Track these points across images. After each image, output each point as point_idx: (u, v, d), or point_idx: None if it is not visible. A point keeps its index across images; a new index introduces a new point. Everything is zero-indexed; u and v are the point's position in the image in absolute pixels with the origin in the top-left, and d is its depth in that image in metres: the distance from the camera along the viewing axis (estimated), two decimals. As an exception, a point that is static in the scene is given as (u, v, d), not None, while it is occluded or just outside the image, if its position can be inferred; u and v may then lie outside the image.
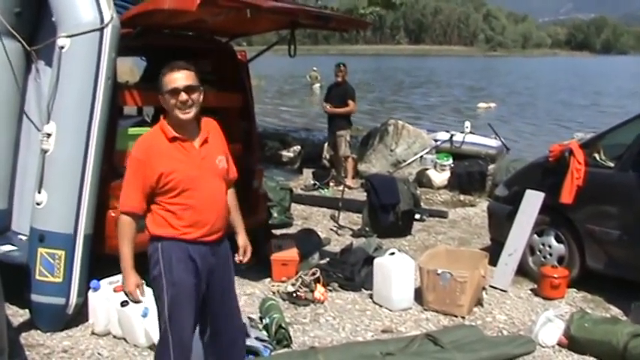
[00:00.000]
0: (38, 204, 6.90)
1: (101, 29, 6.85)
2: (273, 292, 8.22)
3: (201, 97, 4.82)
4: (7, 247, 7.51)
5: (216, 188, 4.94)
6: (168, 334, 4.83)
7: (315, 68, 52.23)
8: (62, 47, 6.84)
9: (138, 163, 4.74)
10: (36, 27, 7.62)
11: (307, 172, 15.81)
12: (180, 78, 4.72)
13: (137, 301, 5.00)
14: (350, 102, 14.99)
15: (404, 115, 28.36)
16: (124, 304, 6.63)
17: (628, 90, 56.05)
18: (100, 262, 7.21)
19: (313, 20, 8.43)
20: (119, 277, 6.92)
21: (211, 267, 4.94)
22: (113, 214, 7.38)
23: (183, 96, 4.69)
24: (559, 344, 6.84)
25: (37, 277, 6.88)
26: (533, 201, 8.68)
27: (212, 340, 5.17)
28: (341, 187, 13.32)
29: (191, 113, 4.76)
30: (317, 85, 50.42)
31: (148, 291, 6.79)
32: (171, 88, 4.69)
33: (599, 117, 32.27)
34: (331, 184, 15.20)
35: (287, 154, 17.93)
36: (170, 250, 4.80)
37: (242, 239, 5.32)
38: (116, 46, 7.04)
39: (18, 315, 7.28)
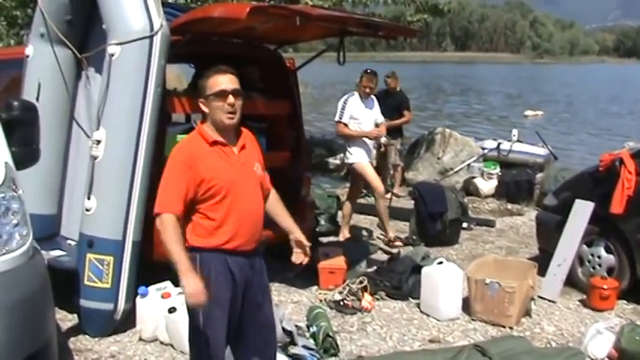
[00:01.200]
0: (87, 210, 6.96)
1: (151, 37, 6.89)
2: (320, 300, 8.21)
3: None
4: (57, 252, 7.59)
5: (255, 195, 4.87)
6: (201, 350, 4.79)
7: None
8: (112, 54, 6.91)
9: (181, 165, 4.62)
10: (86, 34, 7.70)
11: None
12: (227, 81, 4.67)
13: (199, 304, 4.56)
14: (406, 112, 14.94)
15: (450, 123, 28.24)
16: (171, 310, 6.67)
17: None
18: (149, 269, 7.25)
19: (363, 28, 8.42)
20: (167, 283, 7.05)
21: (248, 280, 4.85)
22: (162, 221, 7.42)
23: (231, 99, 4.64)
24: (609, 357, 6.72)
25: (86, 282, 6.94)
26: (582, 211, 8.59)
27: (241, 353, 5.09)
28: (388, 195, 13.27)
29: (235, 119, 4.70)
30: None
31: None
32: (218, 90, 4.63)
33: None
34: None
35: (334, 161, 17.93)
36: (209, 263, 4.67)
37: (299, 236, 5.13)
38: (166, 54, 7.08)
39: (67, 320, 7.34)
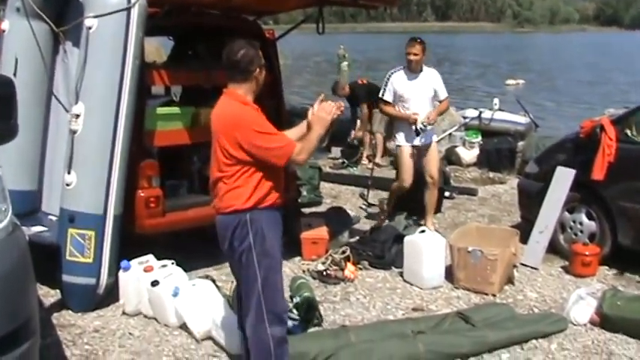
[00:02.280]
0: (68, 185, 6.92)
1: (128, 9, 6.84)
2: (303, 271, 8.22)
3: None
4: (38, 228, 7.54)
5: None
6: (262, 306, 4.91)
7: (342, 46, 52.01)
8: (90, 28, 6.85)
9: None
10: (63, 8, 7.60)
11: (336, 150, 15.73)
12: None
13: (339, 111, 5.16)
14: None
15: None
16: (154, 283, 6.66)
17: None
18: (131, 242, 7.25)
19: (342, -3, 8.37)
20: (149, 256, 7.05)
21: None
22: (142, 194, 7.44)
23: None
24: (591, 322, 6.77)
25: (68, 257, 6.91)
26: (564, 178, 8.61)
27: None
28: (370, 165, 13.27)
29: None
30: (345, 63, 50.18)
31: (179, 274, 6.86)
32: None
33: (629, 94, 31.95)
34: (364, 161, 15.19)
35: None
36: (259, 220, 4.90)
37: None
38: (143, 26, 7.02)
39: (49, 295, 7.32)
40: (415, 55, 9.42)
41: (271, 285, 4.91)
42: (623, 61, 64.32)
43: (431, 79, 9.65)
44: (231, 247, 4.96)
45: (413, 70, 9.54)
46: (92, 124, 6.87)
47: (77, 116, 6.84)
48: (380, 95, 9.80)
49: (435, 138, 9.97)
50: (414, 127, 9.34)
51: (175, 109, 8.18)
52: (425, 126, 9.36)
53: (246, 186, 4.88)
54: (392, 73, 9.66)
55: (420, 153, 9.64)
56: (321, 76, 47.54)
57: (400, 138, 9.63)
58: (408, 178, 9.55)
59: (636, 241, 8.16)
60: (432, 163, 9.71)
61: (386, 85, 9.66)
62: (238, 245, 4.92)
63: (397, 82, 9.55)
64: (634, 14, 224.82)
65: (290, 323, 6.25)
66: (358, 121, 15.78)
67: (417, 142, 9.53)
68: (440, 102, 9.88)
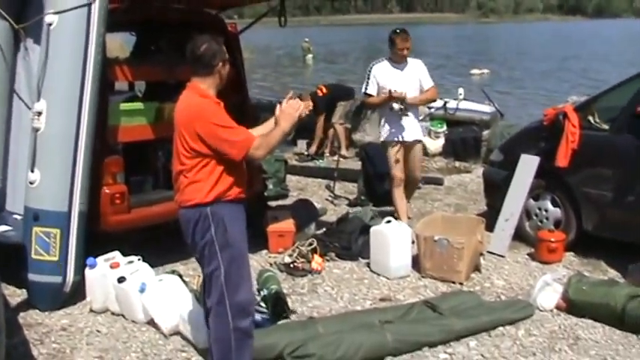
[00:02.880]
0: (31, 183, 6.87)
1: (89, 4, 6.80)
2: (270, 264, 8.23)
3: None
4: (2, 227, 7.49)
5: None
6: (225, 299, 4.92)
7: (306, 39, 52.10)
8: (50, 24, 6.79)
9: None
10: (24, 5, 7.53)
11: (301, 143, 15.73)
12: None
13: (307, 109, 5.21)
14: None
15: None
16: (121, 280, 6.63)
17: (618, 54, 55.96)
18: (96, 239, 7.22)
19: (304, -13, 8.36)
20: (115, 253, 7.01)
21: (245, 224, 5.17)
22: (107, 191, 7.40)
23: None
24: (557, 308, 6.85)
25: (33, 256, 6.88)
26: (528, 165, 8.67)
27: None
28: (336, 157, 13.30)
29: None
30: (309, 56, 50.37)
31: (146, 269, 6.84)
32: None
33: (590, 81, 32.19)
34: (326, 153, 15.20)
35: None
36: (220, 213, 4.91)
37: None
38: (105, 22, 6.98)
39: (16, 295, 7.27)
40: (408, 49, 9.11)
41: (234, 277, 4.91)
42: (585, 49, 64.74)
43: (416, 70, 9.23)
44: (193, 241, 4.97)
45: (398, 61, 9.17)
46: (55, 121, 6.82)
47: (39, 114, 6.79)
48: (363, 90, 9.41)
49: (420, 135, 9.51)
50: (395, 106, 8.91)
51: (139, 105, 8.15)
52: (404, 108, 8.93)
53: (207, 179, 4.89)
54: (373, 65, 9.31)
55: (405, 149, 9.21)
56: (286, 69, 47.58)
57: (384, 132, 9.20)
58: (398, 174, 9.19)
59: (601, 226, 8.23)
60: (415, 164, 9.44)
61: (368, 79, 9.21)
62: (200, 239, 4.93)
63: (380, 74, 9.12)
64: (597, 3, 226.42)
65: (258, 316, 6.27)
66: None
67: (405, 136, 9.09)
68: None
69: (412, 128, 9.17)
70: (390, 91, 8.88)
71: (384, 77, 9.09)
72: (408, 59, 9.23)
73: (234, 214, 4.97)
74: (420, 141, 9.49)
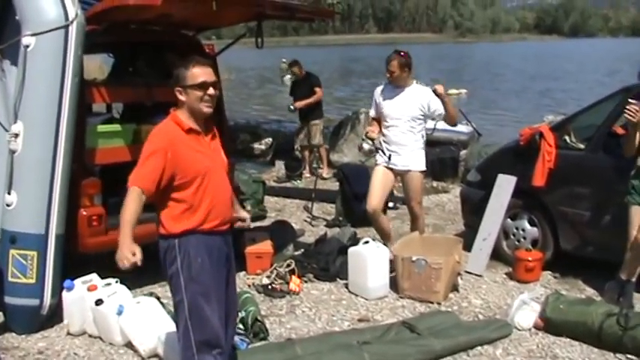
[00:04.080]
0: (8, 205, 6.84)
1: (66, 26, 6.80)
2: (249, 285, 8.20)
3: None
4: (-21, 250, 7.44)
5: (225, 179, 5.08)
6: (189, 333, 4.83)
7: (284, 60, 52.07)
8: (27, 46, 6.78)
9: (159, 148, 4.72)
10: (1, 26, 7.52)
11: (279, 164, 15.72)
12: (208, 73, 4.85)
13: (131, 265, 4.61)
14: (317, 89, 14.96)
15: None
16: (98, 302, 6.60)
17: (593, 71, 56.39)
18: (73, 262, 7.21)
19: (280, 11, 8.41)
20: (93, 275, 6.97)
21: (226, 256, 5.05)
22: (85, 213, 7.40)
23: (212, 90, 4.84)
24: (535, 327, 6.88)
25: (10, 279, 6.83)
26: (505, 185, 8.72)
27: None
28: (313, 178, 13.32)
29: (212, 108, 4.90)
30: (287, 77, 50.40)
31: (123, 292, 6.81)
32: (200, 82, 4.79)
33: (566, 100, 32.41)
34: (305, 174, 15.21)
35: (259, 146, 17.92)
36: (187, 245, 4.80)
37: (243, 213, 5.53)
38: (82, 43, 6.98)
39: (-8, 318, 7.21)
40: (392, 72, 8.53)
41: (198, 312, 4.80)
42: (561, 68, 65.15)
43: (416, 98, 8.51)
44: (164, 269, 4.93)
45: (394, 84, 8.65)
46: (32, 143, 6.80)
47: (16, 135, 6.77)
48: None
49: (417, 165, 8.66)
50: (365, 146, 8.70)
51: (116, 127, 8.14)
52: (374, 145, 8.59)
53: (175, 209, 4.81)
54: (378, 87, 8.98)
55: (401, 178, 8.81)
56: (264, 89, 47.64)
57: (377, 156, 8.80)
58: (372, 200, 8.59)
59: (577, 245, 8.28)
60: (411, 195, 8.78)
61: (372, 101, 9.00)
62: (167, 269, 4.86)
63: (378, 96, 8.82)
64: (573, 22, 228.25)
65: (236, 338, 6.25)
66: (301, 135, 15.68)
67: (394, 160, 8.58)
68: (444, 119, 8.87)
69: (405, 155, 8.58)
70: (366, 132, 8.88)
71: (379, 100, 8.78)
72: (415, 85, 8.65)
73: (204, 247, 4.84)
74: (416, 171, 8.67)
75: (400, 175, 8.77)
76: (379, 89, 8.88)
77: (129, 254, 4.57)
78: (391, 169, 8.69)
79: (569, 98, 34.02)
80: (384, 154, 8.64)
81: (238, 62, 59.88)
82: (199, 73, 4.80)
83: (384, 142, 8.65)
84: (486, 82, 50.63)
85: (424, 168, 8.74)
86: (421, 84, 8.76)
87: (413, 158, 8.62)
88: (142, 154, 4.77)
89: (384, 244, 8.46)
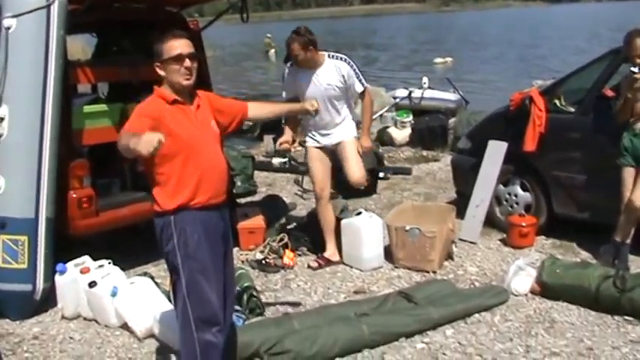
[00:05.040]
0: (-4, 190, 6.77)
1: (48, 6, 6.71)
2: (242, 261, 8.15)
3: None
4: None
5: (216, 150, 4.96)
6: (188, 311, 4.75)
7: (269, 35, 52.16)
8: (8, 28, 6.69)
9: (147, 115, 4.63)
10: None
11: (268, 139, 15.62)
12: (183, 45, 4.77)
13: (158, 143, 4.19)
14: None
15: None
16: (92, 284, 6.56)
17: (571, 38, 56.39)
18: (65, 245, 7.16)
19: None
20: (85, 258, 6.93)
21: (223, 231, 4.98)
22: (74, 195, 7.33)
23: (188, 62, 4.75)
24: (532, 292, 6.87)
25: (1, 264, 6.77)
26: (496, 151, 8.67)
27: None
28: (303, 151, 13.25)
29: (191, 80, 4.81)
30: (272, 52, 50.45)
31: (117, 273, 6.76)
32: (175, 54, 4.72)
33: (553, 65, 32.40)
34: (296, 147, 15.13)
35: (246, 122, 17.79)
36: (183, 222, 4.71)
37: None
38: (65, 24, 6.90)
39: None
40: (296, 57, 7.67)
41: (197, 290, 4.73)
42: (546, 33, 65.21)
43: (331, 76, 7.71)
44: (161, 248, 4.87)
45: (302, 66, 7.76)
46: (17, 126, 6.73)
47: (1, 119, 6.69)
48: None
49: (347, 135, 8.01)
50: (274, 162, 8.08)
51: (102, 107, 8.03)
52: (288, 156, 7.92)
53: (168, 185, 4.72)
54: (285, 71, 8.19)
55: (333, 154, 8.11)
56: (249, 65, 47.53)
57: (307, 137, 8.22)
58: (318, 186, 8.08)
59: (571, 209, 8.25)
60: (350, 165, 7.99)
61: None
62: (164, 247, 4.78)
63: (289, 82, 8.05)
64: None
65: (232, 315, 6.21)
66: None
67: (323, 141, 7.99)
68: (361, 98, 8.14)
69: (334, 133, 7.97)
70: (279, 144, 8.30)
71: (292, 85, 7.99)
72: (327, 61, 7.74)
73: (200, 224, 4.76)
74: (348, 140, 7.99)
75: (335, 151, 8.04)
76: (287, 73, 8.06)
77: (151, 135, 4.17)
78: (324, 147, 8.04)
79: (551, 64, 34.05)
80: (313, 137, 8.06)
81: (222, 39, 59.68)
82: (175, 46, 4.74)
83: (310, 125, 8.05)
84: (470, 50, 50.65)
85: (355, 134, 8.08)
86: (333, 57, 7.80)
87: (342, 131, 7.97)
88: (126, 122, 4.69)
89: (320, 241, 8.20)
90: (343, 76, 7.71)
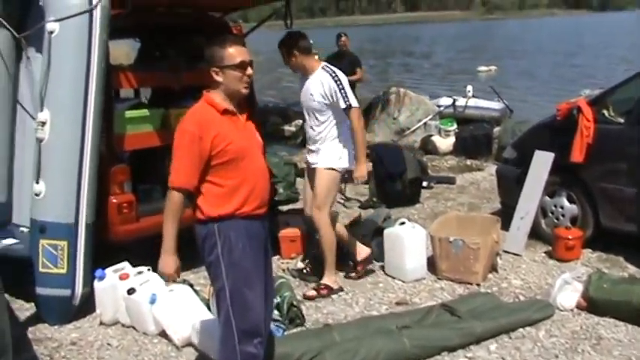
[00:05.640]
0: (37, 194, 6.75)
1: (90, 11, 6.66)
2: (283, 270, 8.10)
3: None
4: (9, 241, 7.37)
5: (262, 161, 4.96)
6: (231, 321, 4.68)
7: (311, 41, 52.17)
8: (51, 32, 6.66)
9: (192, 136, 4.57)
10: (25, 13, 7.42)
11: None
12: (245, 52, 4.77)
13: (171, 280, 4.89)
14: (358, 70, 14.79)
15: (406, 83, 28.18)
16: (130, 291, 6.51)
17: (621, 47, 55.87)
18: (105, 251, 7.12)
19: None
20: (124, 264, 6.88)
21: (265, 242, 4.94)
22: (115, 200, 7.31)
23: (250, 70, 4.75)
24: (578, 307, 6.71)
25: (41, 269, 6.75)
26: (542, 162, 8.53)
27: None
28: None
29: (248, 88, 4.83)
30: (315, 58, 50.43)
31: (156, 280, 6.71)
32: (239, 62, 4.69)
33: (600, 75, 32.06)
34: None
35: (289, 128, 17.81)
36: (227, 230, 4.65)
37: None
38: (107, 28, 6.85)
39: (24, 309, 7.18)
40: (287, 64, 7.62)
41: (241, 299, 4.67)
42: (591, 42, 64.67)
43: (316, 87, 7.32)
44: (203, 257, 4.79)
45: (295, 71, 7.72)
46: (59, 131, 6.69)
47: (43, 124, 6.67)
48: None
49: (321, 162, 7.38)
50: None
51: (144, 112, 7.99)
52: None
53: (213, 194, 4.66)
54: None
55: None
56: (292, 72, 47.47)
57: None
58: (306, 207, 7.70)
59: (618, 222, 8.08)
60: (306, 196, 7.76)
61: None
62: (207, 255, 4.72)
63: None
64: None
65: (272, 325, 6.12)
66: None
67: (308, 158, 7.65)
68: (349, 118, 7.34)
69: (316, 152, 7.47)
70: None
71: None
72: (319, 71, 7.36)
73: (243, 231, 4.70)
74: (321, 168, 7.41)
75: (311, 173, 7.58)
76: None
77: (169, 270, 4.73)
78: (309, 165, 7.66)
79: (597, 73, 33.70)
80: (306, 153, 7.76)
81: (266, 45, 59.79)
82: (237, 53, 4.69)
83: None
84: (514, 58, 50.34)
85: (332, 165, 7.36)
86: (325, 68, 7.42)
87: (321, 154, 7.42)
88: (174, 145, 4.66)
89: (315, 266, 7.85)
90: (325, 91, 7.23)
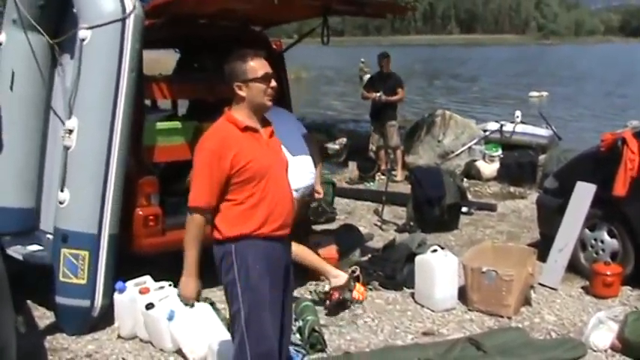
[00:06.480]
0: (61, 202, 6.69)
1: (123, 19, 6.61)
2: (310, 292, 7.92)
3: None
4: (34, 247, 7.38)
5: (285, 180, 4.83)
6: (245, 345, 4.56)
7: (363, 60, 52.08)
8: (83, 39, 6.62)
9: (212, 154, 4.49)
10: (60, 19, 7.42)
11: (352, 165, 15.44)
12: (266, 65, 4.70)
13: (187, 303, 4.80)
14: (399, 90, 14.73)
15: (452, 105, 28.01)
16: (149, 306, 6.39)
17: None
18: (127, 263, 7.03)
19: (347, 5, 8.12)
20: (146, 277, 6.76)
21: (286, 264, 4.82)
22: (141, 213, 7.22)
23: (274, 82, 4.70)
24: (612, 348, 6.43)
25: (61, 278, 6.67)
26: (584, 193, 8.29)
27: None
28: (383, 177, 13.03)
29: (272, 101, 4.73)
30: (366, 77, 50.34)
31: (174, 293, 6.57)
32: (263, 74, 4.62)
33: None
34: (381, 176, 14.90)
35: (333, 146, 17.64)
36: (245, 252, 4.54)
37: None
38: (140, 37, 6.79)
39: (45, 317, 7.11)
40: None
41: (256, 323, 4.53)
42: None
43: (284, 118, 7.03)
44: (220, 277, 4.66)
45: None
46: (86, 139, 6.62)
47: (70, 131, 6.60)
48: None
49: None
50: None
51: (176, 124, 7.92)
52: None
53: (231, 213, 4.54)
54: None
55: None
56: (342, 89, 47.50)
57: None
58: None
59: (660, 260, 7.82)
60: None
61: None
62: (224, 277, 4.62)
63: None
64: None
65: (292, 349, 5.96)
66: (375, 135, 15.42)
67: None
68: None
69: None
70: None
71: None
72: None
73: (262, 254, 4.57)
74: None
75: None
76: None
77: (190, 294, 4.72)
78: None
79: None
80: None
81: (317, 61, 59.87)
82: (259, 66, 4.62)
83: None
84: (566, 85, 49.79)
85: None
86: None
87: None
88: (193, 164, 4.59)
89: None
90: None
